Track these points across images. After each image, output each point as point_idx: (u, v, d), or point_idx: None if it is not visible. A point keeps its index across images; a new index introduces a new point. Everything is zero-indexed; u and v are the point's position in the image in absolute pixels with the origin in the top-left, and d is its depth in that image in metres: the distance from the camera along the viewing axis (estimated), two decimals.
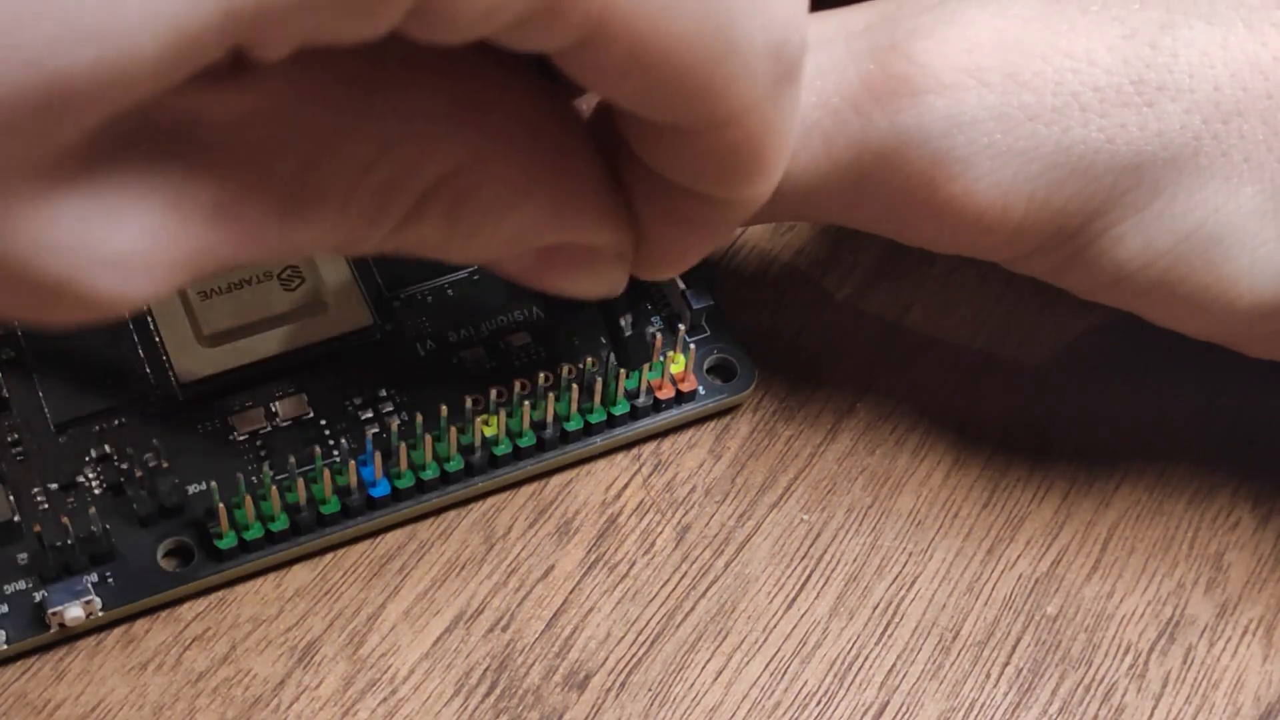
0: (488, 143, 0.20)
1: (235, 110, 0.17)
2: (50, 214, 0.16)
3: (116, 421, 0.29)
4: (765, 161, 0.21)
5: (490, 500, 0.29)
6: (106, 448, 0.29)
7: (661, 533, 0.29)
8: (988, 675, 0.28)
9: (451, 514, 0.29)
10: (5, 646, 0.27)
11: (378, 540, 0.29)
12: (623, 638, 0.28)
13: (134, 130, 0.17)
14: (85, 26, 0.15)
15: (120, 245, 0.17)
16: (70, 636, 0.27)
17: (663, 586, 0.29)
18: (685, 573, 0.29)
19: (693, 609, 0.29)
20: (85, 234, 0.16)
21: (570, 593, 0.29)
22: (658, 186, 0.22)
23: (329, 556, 0.29)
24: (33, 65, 0.15)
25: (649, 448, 0.30)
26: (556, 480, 0.30)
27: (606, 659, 0.28)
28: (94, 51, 0.15)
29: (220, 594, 0.28)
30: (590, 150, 0.21)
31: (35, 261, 0.16)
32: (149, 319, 0.30)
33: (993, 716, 0.28)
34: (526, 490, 0.30)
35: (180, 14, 0.15)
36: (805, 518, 0.30)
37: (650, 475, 0.30)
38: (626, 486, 0.30)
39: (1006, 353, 0.32)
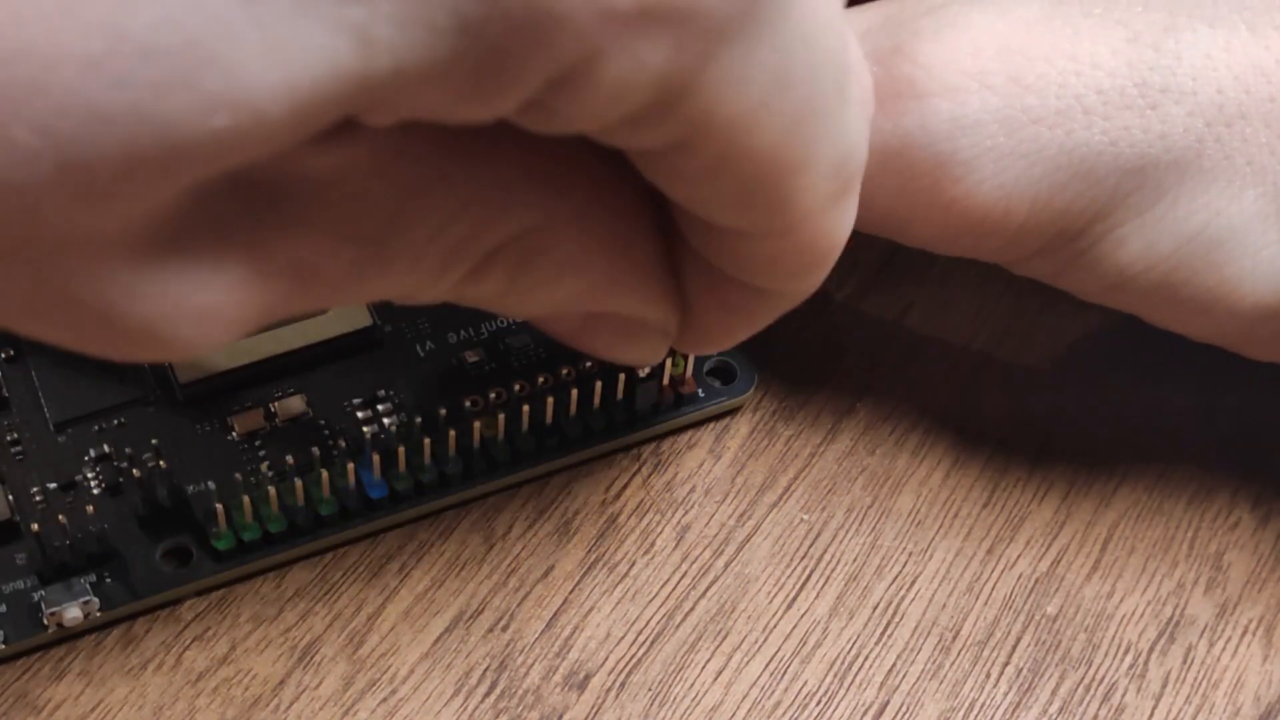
0: (560, 209, 0.20)
1: (330, 168, 0.17)
2: (144, 269, 0.16)
3: (115, 421, 0.29)
4: (817, 264, 0.21)
5: (490, 500, 0.29)
6: (105, 447, 0.29)
7: (661, 533, 0.29)
8: (988, 675, 0.28)
9: (451, 514, 0.29)
10: (3, 646, 0.27)
11: (377, 540, 0.29)
12: (623, 638, 0.28)
13: (230, 189, 0.17)
14: (226, 96, 0.14)
15: (204, 300, 0.17)
16: (69, 636, 0.27)
17: (663, 586, 0.29)
18: (685, 573, 0.29)
19: (693, 609, 0.29)
20: (173, 289, 0.17)
21: (570, 593, 0.29)
22: (709, 275, 0.22)
23: (329, 556, 0.29)
24: (160, 130, 0.14)
25: (649, 448, 0.30)
26: (556, 480, 0.30)
27: (606, 659, 0.28)
28: (225, 121, 0.14)
29: (220, 594, 0.28)
30: (652, 226, 0.22)
31: (123, 312, 0.17)
32: None
33: (993, 716, 0.28)
34: (526, 490, 0.30)
35: (311, 85, 0.15)
36: (805, 518, 0.30)
37: (650, 475, 0.30)
38: (626, 486, 0.30)
39: (1006, 353, 0.32)
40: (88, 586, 0.27)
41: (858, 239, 0.33)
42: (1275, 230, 0.26)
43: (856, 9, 0.28)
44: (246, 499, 0.27)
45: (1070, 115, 0.26)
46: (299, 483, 0.28)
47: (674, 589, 0.29)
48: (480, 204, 0.19)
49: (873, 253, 0.33)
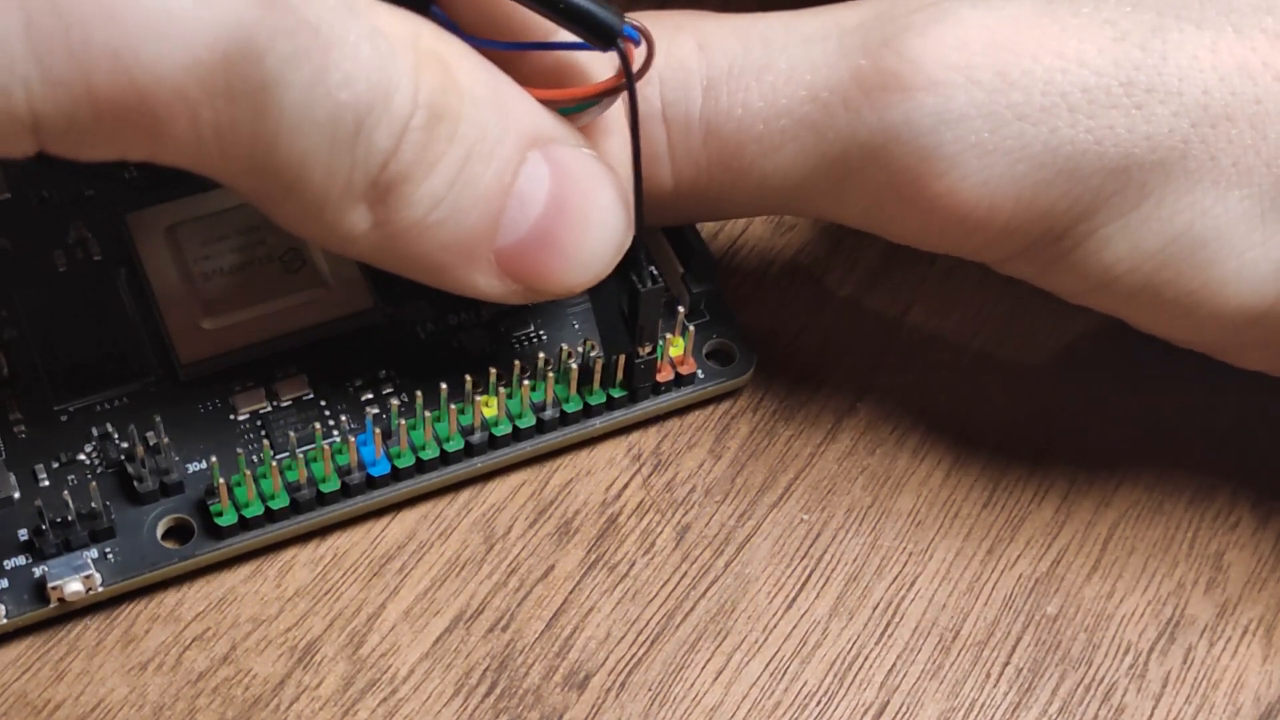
0: None
1: None
2: None
3: (118, 401, 0.29)
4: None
5: (490, 500, 0.29)
6: (108, 426, 0.29)
7: (661, 533, 0.29)
8: (988, 675, 0.28)
9: (451, 514, 0.29)
10: (4, 621, 0.27)
11: (378, 540, 0.29)
12: (623, 638, 0.28)
13: None
14: None
15: None
16: (70, 613, 0.27)
17: (663, 586, 0.29)
18: (685, 573, 0.29)
19: (693, 609, 0.29)
20: None
21: (570, 593, 0.29)
22: None
23: (329, 556, 0.29)
24: None
25: (649, 448, 0.30)
26: (556, 480, 0.30)
27: (606, 659, 0.28)
28: None
29: (220, 594, 0.28)
30: None
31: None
32: (151, 299, 0.30)
33: (993, 716, 0.28)
34: (526, 490, 0.30)
35: None
36: (805, 518, 0.30)
37: (650, 475, 0.30)
38: (626, 486, 0.30)
39: (1006, 353, 0.32)
40: (89, 561, 0.27)
41: (857, 238, 0.33)
42: (1260, 232, 0.26)
43: (848, 4, 0.28)
44: (249, 474, 0.27)
45: (1055, 113, 0.26)
46: (301, 459, 0.28)
47: (674, 589, 0.29)
48: None
49: (873, 253, 0.33)
